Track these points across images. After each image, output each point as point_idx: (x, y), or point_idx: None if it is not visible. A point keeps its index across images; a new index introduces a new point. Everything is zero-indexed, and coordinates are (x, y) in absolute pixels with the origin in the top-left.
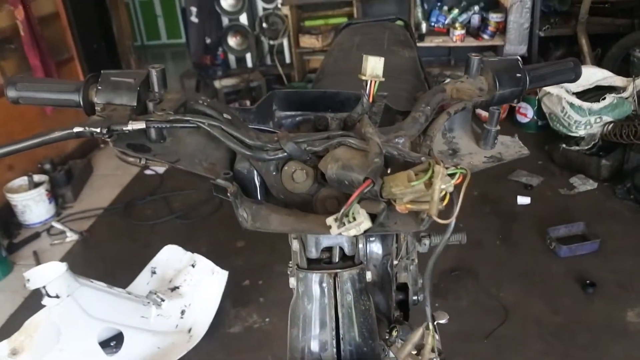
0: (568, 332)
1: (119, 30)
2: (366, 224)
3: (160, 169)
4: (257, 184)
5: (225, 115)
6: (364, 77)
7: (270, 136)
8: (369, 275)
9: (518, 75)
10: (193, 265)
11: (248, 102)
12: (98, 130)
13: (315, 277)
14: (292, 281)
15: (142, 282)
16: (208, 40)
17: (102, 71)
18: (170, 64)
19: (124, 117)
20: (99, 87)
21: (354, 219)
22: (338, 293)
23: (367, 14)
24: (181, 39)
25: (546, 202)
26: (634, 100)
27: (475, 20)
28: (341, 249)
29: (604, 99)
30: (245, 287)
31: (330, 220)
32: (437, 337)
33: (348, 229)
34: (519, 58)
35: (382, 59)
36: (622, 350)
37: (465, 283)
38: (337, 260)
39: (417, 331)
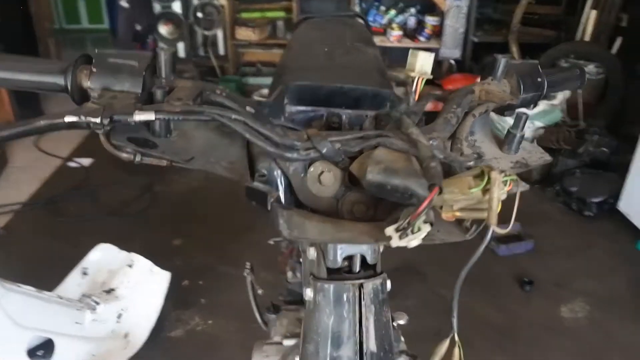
0: (511, 330)
1: (37, 11)
2: (424, 233)
3: (86, 161)
4: (283, 187)
5: (247, 109)
6: (412, 73)
7: (299, 134)
8: (389, 285)
9: (539, 79)
10: (130, 266)
11: None
12: (97, 120)
13: (337, 288)
14: (309, 293)
15: (72, 284)
16: (138, 27)
17: (95, 51)
18: (91, 51)
19: (129, 105)
20: (94, 70)
21: (419, 229)
22: (363, 305)
23: (305, 10)
24: (104, 24)
25: None
26: (563, 109)
27: (412, 22)
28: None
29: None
30: (184, 288)
31: (390, 231)
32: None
33: (411, 239)
34: (538, 62)
35: (432, 54)
36: (559, 345)
37: (410, 282)
38: (357, 269)
39: (443, 343)
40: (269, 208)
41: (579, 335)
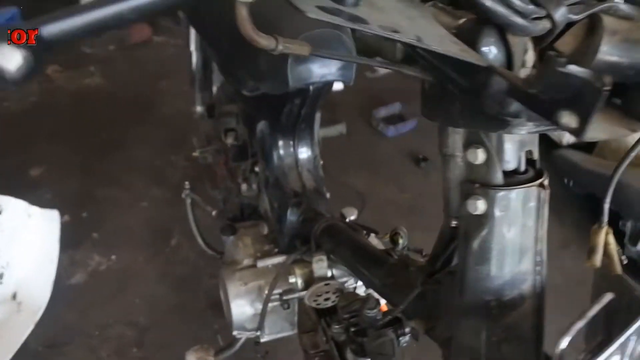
0: (416, 205)
1: None
2: None
3: None
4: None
5: None
6: None
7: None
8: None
9: None
10: None
11: None
12: None
13: (520, 194)
14: (481, 205)
15: None
16: None
17: None
18: None
19: None
20: None
21: None
22: (542, 209)
23: None
24: None
25: (359, 87)
26: None
27: None
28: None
29: None
30: (67, 225)
31: None
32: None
33: None
34: None
35: None
36: None
37: None
38: (523, 168)
39: (598, 232)
40: None
41: None
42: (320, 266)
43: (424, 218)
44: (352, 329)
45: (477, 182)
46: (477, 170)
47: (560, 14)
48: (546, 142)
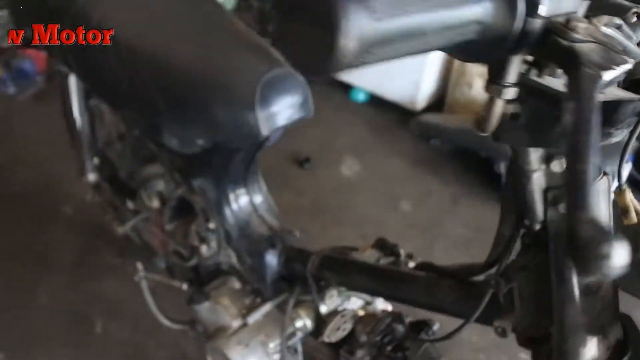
0: (322, 206)
1: None
2: None
3: None
4: None
5: None
6: None
7: None
8: None
9: None
10: None
11: None
12: None
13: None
14: None
15: None
16: None
17: None
18: None
19: None
20: None
21: None
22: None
23: None
24: None
25: None
26: None
27: None
28: None
29: None
30: None
31: None
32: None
33: None
34: None
35: None
36: (354, 198)
37: None
38: None
39: (623, 194)
40: None
41: (367, 186)
42: (333, 301)
43: (334, 215)
44: (389, 348)
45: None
46: (559, 177)
47: None
48: (400, 112)
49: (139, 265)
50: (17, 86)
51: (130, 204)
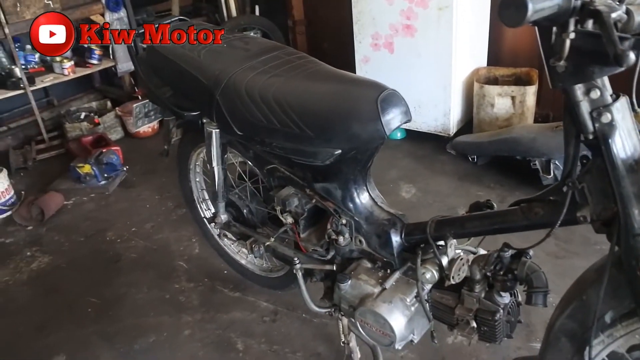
0: None
1: None
2: None
3: None
4: None
5: None
6: None
7: None
8: None
9: None
10: None
11: None
12: None
13: (622, 103)
14: (609, 116)
15: None
16: None
17: None
18: None
19: None
20: None
21: None
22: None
23: None
24: None
25: None
26: None
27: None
28: None
29: None
30: None
31: None
32: None
33: None
34: None
35: None
36: None
37: None
38: (612, 92)
39: None
40: None
41: (426, 202)
42: (452, 250)
43: None
44: (500, 273)
45: (600, 106)
46: (597, 101)
47: None
48: (435, 139)
49: (296, 259)
50: (106, 179)
51: (260, 230)
